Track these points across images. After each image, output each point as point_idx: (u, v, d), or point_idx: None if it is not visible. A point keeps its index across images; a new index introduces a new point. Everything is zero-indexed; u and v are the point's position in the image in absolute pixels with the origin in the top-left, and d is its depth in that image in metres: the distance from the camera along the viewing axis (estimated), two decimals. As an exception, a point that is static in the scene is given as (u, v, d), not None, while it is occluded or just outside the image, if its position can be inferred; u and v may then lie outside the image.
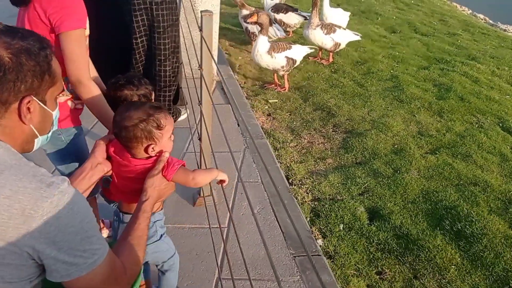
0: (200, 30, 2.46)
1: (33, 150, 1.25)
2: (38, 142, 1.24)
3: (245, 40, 5.80)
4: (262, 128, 3.82)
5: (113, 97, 1.92)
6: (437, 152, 3.55)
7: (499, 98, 4.55)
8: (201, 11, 2.43)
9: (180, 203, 2.84)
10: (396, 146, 3.64)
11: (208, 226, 2.57)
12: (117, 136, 1.67)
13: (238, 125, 3.78)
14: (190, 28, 4.44)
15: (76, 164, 2.08)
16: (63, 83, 1.93)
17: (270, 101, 4.36)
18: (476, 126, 4.02)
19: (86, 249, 1.10)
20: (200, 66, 2.54)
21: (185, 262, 2.42)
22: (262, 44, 4.35)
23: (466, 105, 4.36)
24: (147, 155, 1.65)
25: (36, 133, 1.21)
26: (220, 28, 6.50)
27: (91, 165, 1.66)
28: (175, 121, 3.79)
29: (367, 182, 3.16)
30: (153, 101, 2.00)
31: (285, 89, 4.60)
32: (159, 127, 1.62)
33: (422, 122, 4.02)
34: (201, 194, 2.82)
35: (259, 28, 5.33)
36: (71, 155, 2.07)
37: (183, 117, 3.84)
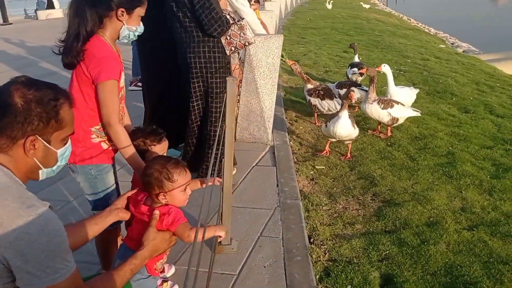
0: (225, 92, 2.82)
1: (40, 179, 1.53)
2: (43, 173, 1.53)
3: (311, 112, 6.10)
4: (300, 191, 3.99)
5: None
6: (475, 229, 3.43)
7: None
8: (227, 77, 2.80)
9: (202, 249, 3.06)
10: (431, 219, 3.58)
11: (220, 272, 2.82)
12: (141, 181, 2.06)
13: (277, 185, 4.00)
14: (250, 97, 4.88)
15: (102, 197, 2.46)
16: (98, 127, 2.38)
17: (316, 167, 4.53)
18: (528, 207, 3.81)
19: (49, 266, 1.29)
20: (224, 124, 2.87)
21: (191, 301, 2.62)
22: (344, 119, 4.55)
23: (523, 186, 4.16)
24: (159, 203, 1.99)
25: (40, 165, 1.48)
26: (291, 101, 6.96)
27: (110, 210, 2.05)
28: (222, 178, 4.12)
29: (389, 249, 3.15)
30: (151, 151, 2.38)
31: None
32: (170, 179, 1.95)
33: (468, 198, 3.91)
34: (222, 243, 3.05)
35: (319, 101, 5.64)
36: (98, 189, 2.45)
37: (230, 174, 4.15)
